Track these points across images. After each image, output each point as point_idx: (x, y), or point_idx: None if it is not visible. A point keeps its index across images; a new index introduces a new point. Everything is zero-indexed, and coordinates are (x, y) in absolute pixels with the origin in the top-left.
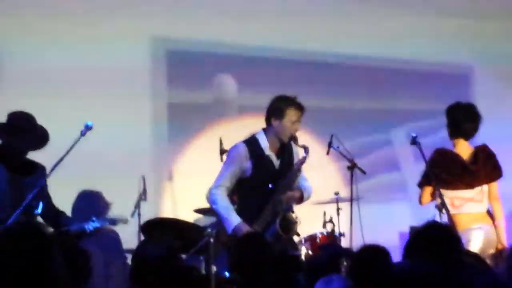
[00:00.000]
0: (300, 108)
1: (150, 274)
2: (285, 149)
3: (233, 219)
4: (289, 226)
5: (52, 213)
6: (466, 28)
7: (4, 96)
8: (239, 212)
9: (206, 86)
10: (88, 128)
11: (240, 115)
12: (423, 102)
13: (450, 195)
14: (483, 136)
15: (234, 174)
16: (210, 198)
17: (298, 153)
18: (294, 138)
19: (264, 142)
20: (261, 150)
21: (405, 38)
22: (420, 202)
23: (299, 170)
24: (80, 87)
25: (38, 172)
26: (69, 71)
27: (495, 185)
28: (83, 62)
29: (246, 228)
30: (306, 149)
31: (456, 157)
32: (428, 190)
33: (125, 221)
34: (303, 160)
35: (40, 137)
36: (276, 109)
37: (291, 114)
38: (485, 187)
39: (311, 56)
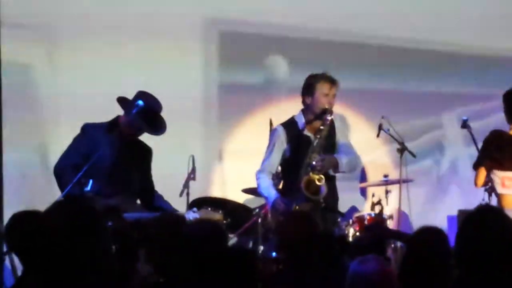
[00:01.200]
0: (330, 80)
1: (196, 254)
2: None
3: (272, 195)
4: (315, 187)
5: (147, 193)
6: None
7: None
8: (284, 192)
9: (258, 67)
10: (138, 106)
11: (291, 97)
12: (476, 86)
13: (501, 175)
14: None
15: (276, 156)
16: (256, 183)
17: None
18: (325, 111)
19: (302, 122)
20: (298, 130)
21: (459, 21)
22: (476, 184)
23: (321, 132)
24: (130, 66)
25: (145, 154)
26: (119, 48)
27: None
28: (134, 41)
29: (281, 201)
30: (330, 112)
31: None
32: (484, 171)
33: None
34: (325, 122)
35: (161, 129)
36: (307, 86)
37: (322, 88)
38: None
39: (363, 38)
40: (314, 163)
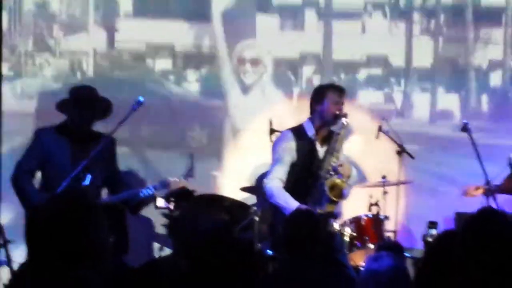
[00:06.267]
0: (339, 89)
1: (203, 248)
2: (330, 138)
3: (292, 205)
4: (339, 190)
5: (113, 182)
6: None
7: None
8: None
9: None
10: (139, 103)
11: (291, 97)
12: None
13: None
14: None
15: (286, 163)
16: (266, 193)
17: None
18: (338, 115)
19: (310, 130)
20: (307, 137)
21: None
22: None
23: (339, 134)
24: None
25: (102, 142)
26: None
27: None
28: None
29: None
30: (345, 115)
31: None
32: None
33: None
34: (342, 126)
35: (103, 110)
36: (317, 94)
37: (331, 96)
38: None
39: None
40: (335, 165)
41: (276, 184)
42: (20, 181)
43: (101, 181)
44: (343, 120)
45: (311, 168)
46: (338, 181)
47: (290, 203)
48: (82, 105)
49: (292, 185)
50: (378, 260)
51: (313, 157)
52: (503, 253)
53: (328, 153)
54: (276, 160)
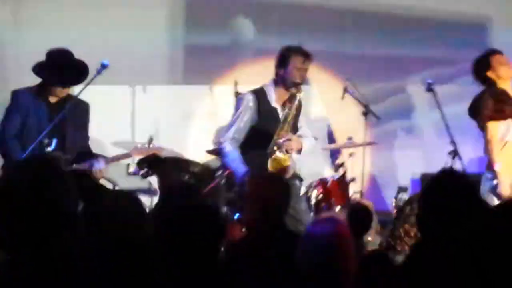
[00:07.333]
0: (304, 54)
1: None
2: (291, 101)
3: (240, 170)
4: (282, 166)
5: (81, 148)
6: None
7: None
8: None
9: (224, 29)
10: (104, 66)
11: (257, 59)
12: (440, 50)
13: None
14: None
15: (244, 124)
16: (221, 151)
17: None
18: (297, 84)
19: (271, 93)
20: (267, 101)
21: None
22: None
23: (290, 110)
24: (95, 25)
25: (78, 108)
26: (84, 7)
27: None
28: (99, 0)
29: None
30: (299, 89)
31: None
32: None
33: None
34: (297, 102)
35: (79, 72)
36: (281, 58)
37: (295, 61)
38: None
39: (329, 1)
40: (281, 141)
41: (231, 144)
42: (6, 144)
43: (72, 145)
44: (298, 95)
45: (271, 131)
46: (280, 156)
47: (239, 168)
48: (58, 68)
49: (251, 149)
50: (316, 224)
51: (274, 120)
52: (461, 213)
53: (278, 126)
54: (234, 120)
